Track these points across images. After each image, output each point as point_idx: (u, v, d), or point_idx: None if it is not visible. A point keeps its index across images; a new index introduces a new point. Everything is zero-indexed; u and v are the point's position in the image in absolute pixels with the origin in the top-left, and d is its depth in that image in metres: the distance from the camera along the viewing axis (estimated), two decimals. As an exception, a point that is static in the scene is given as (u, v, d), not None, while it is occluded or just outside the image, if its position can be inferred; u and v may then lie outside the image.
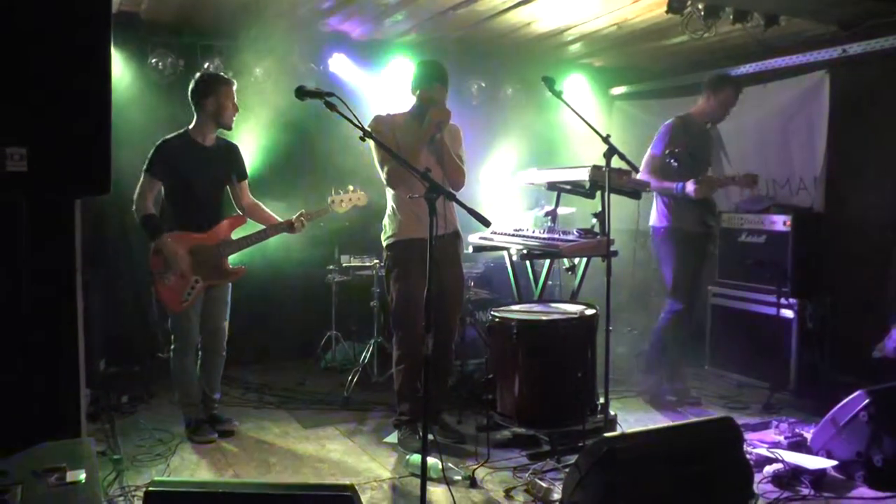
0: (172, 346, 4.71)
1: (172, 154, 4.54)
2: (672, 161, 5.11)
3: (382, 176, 4.49)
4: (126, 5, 5.61)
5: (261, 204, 4.90)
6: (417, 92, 4.57)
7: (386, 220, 4.71)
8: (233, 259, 4.76)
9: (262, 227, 4.78)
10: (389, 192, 4.68)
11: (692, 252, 5.35)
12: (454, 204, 4.45)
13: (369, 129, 4.42)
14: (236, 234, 4.75)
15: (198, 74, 4.70)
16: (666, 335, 5.44)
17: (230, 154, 4.82)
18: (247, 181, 4.92)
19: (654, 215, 5.50)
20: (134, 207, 4.52)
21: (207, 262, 4.60)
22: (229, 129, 4.69)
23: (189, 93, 4.61)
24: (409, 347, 4.58)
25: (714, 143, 5.59)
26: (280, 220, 4.80)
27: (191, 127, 4.63)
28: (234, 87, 4.65)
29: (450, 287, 4.53)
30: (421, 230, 4.48)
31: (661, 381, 5.50)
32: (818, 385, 5.52)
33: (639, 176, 5.10)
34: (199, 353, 4.84)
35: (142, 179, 4.52)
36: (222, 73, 4.70)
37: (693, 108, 5.48)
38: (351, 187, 4.97)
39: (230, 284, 4.84)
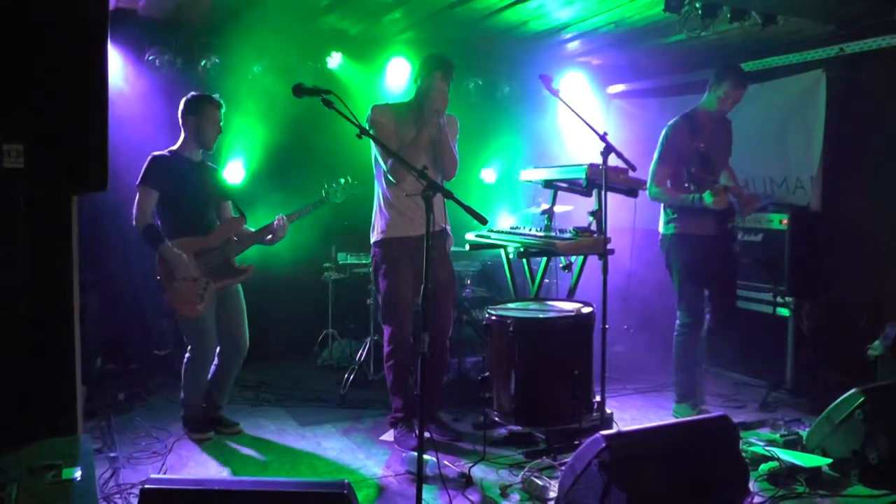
0: (188, 356, 4.66)
1: (165, 165, 4.57)
2: (689, 185, 4.79)
3: (385, 168, 4.49)
4: (123, 2, 5.59)
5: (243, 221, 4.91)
6: (419, 82, 4.58)
7: (374, 219, 4.72)
8: (238, 259, 4.76)
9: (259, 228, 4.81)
10: (378, 190, 4.69)
11: (703, 259, 5.04)
12: (443, 202, 4.48)
13: (369, 120, 4.48)
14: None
15: (188, 95, 4.71)
16: (677, 352, 5.18)
17: (214, 171, 4.88)
18: (230, 202, 4.92)
19: (662, 221, 5.26)
20: (134, 223, 4.50)
21: (215, 264, 4.59)
22: (209, 149, 4.72)
23: (179, 111, 4.67)
24: (397, 343, 4.61)
25: (727, 135, 5.32)
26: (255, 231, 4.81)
27: (178, 144, 4.68)
28: (220, 110, 4.67)
29: (441, 284, 4.54)
30: (408, 228, 4.52)
31: (683, 396, 5.22)
32: (814, 383, 5.53)
33: (649, 190, 5.04)
34: (216, 359, 4.77)
35: (139, 192, 4.51)
36: (213, 96, 4.69)
37: (699, 104, 5.21)
38: (342, 179, 4.99)
39: (241, 289, 4.82)
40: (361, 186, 5.01)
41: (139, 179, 4.52)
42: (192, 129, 4.62)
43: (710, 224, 4.98)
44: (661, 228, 5.27)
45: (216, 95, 4.75)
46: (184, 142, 4.66)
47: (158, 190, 4.53)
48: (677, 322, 5.20)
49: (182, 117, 4.63)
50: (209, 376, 4.79)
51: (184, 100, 4.65)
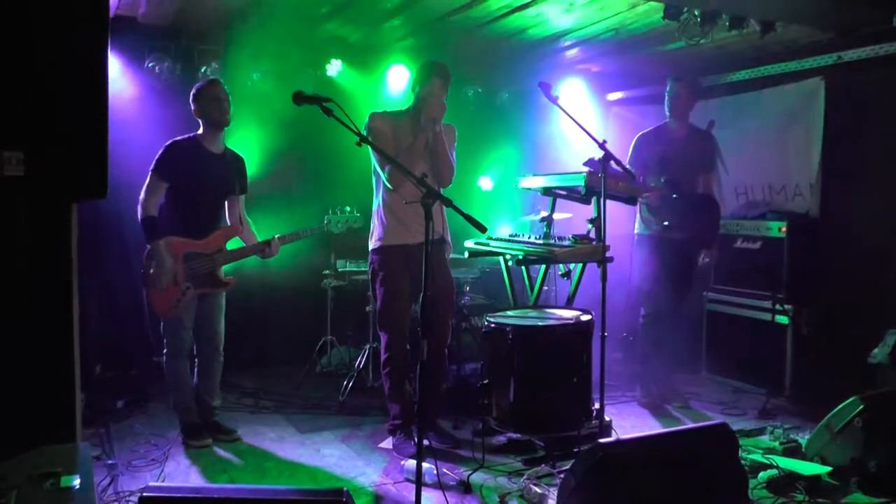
0: (165, 350, 4.73)
1: (181, 156, 4.57)
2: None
3: (384, 176, 4.49)
4: (123, 10, 5.61)
5: (250, 223, 4.94)
6: (416, 89, 4.58)
7: (372, 226, 4.72)
8: (224, 269, 4.77)
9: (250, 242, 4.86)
10: (377, 197, 4.70)
11: (660, 257, 5.46)
12: (442, 210, 4.49)
13: (367, 127, 4.49)
14: (230, 246, 4.78)
15: None
16: (643, 340, 5.64)
17: (236, 164, 4.87)
18: (244, 196, 4.94)
19: (636, 222, 5.69)
20: (139, 206, 4.52)
21: (201, 270, 4.61)
22: (224, 124, 4.68)
23: None
24: (395, 350, 4.61)
25: (702, 149, 5.63)
26: (258, 241, 4.85)
27: (199, 132, 4.69)
28: (216, 84, 4.66)
29: (439, 292, 4.53)
30: (406, 237, 4.53)
31: (648, 387, 5.62)
32: (813, 391, 5.53)
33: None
34: (196, 357, 4.85)
35: (149, 179, 4.54)
36: (210, 77, 4.75)
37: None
38: (348, 208, 5.06)
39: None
40: (362, 219, 5.05)
41: (152, 165, 4.55)
42: (201, 116, 4.64)
43: (677, 229, 5.40)
44: (636, 229, 5.72)
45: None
46: (203, 131, 4.68)
47: (167, 182, 4.56)
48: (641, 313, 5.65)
49: (193, 110, 4.66)
50: (194, 379, 4.84)
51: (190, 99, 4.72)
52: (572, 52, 6.96)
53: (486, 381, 4.61)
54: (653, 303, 5.55)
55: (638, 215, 5.64)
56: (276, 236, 4.79)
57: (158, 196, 4.56)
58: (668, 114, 5.56)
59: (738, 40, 5.84)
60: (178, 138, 4.64)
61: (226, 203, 4.82)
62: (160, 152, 4.56)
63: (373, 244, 4.68)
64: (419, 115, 4.46)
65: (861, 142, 5.81)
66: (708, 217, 5.52)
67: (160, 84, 6.03)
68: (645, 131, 5.59)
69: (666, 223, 5.38)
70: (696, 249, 5.59)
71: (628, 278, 5.79)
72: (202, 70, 6.09)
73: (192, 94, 4.67)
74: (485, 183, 7.42)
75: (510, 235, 5.22)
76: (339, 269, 6.23)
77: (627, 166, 4.69)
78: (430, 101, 4.41)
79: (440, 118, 4.44)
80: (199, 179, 4.61)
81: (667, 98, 5.54)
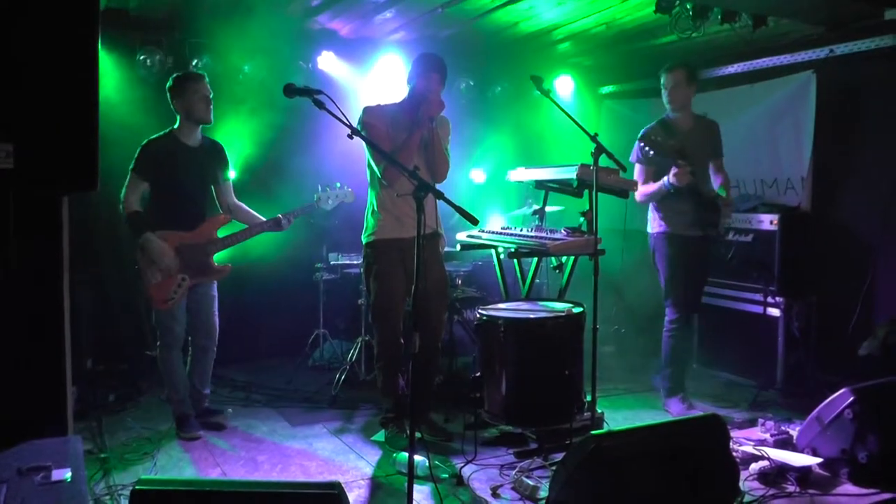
0: (158, 342, 4.74)
1: (158, 153, 4.60)
2: (649, 151, 4.88)
3: (378, 171, 4.47)
4: (115, 2, 5.58)
5: (244, 205, 4.94)
6: (413, 83, 4.56)
7: (367, 219, 4.72)
8: (217, 257, 4.78)
9: (246, 226, 4.86)
10: (371, 191, 4.69)
11: (688, 257, 5.19)
12: (435, 205, 4.48)
13: (361, 122, 4.47)
14: (221, 233, 4.79)
15: (168, 81, 4.75)
16: (667, 347, 5.30)
17: (216, 153, 4.88)
18: (231, 181, 4.96)
19: (649, 221, 5.40)
20: (121, 206, 4.57)
21: (194, 260, 4.62)
22: (207, 122, 4.72)
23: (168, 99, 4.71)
24: (388, 344, 4.62)
25: (709, 136, 5.41)
26: (263, 218, 4.85)
27: (175, 127, 4.70)
28: (203, 81, 4.67)
29: (433, 286, 4.53)
30: (400, 231, 4.52)
31: (672, 390, 5.35)
32: (804, 383, 5.55)
33: (637, 193, 5.13)
34: (190, 348, 4.87)
35: (129, 179, 4.58)
36: (192, 70, 4.78)
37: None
38: (339, 184, 5.01)
39: (215, 282, 4.87)
40: (353, 195, 5.06)
41: (131, 165, 4.59)
42: (182, 111, 4.64)
43: (692, 224, 5.18)
44: (648, 228, 5.42)
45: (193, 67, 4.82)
46: (179, 125, 4.69)
47: (147, 180, 4.59)
48: (666, 319, 5.32)
49: (171, 103, 4.67)
50: (188, 368, 4.87)
51: (167, 87, 4.69)
52: (564, 46, 6.96)
53: (478, 374, 4.62)
54: (687, 306, 5.29)
55: (654, 212, 5.33)
56: (280, 215, 4.83)
57: (138, 194, 4.59)
58: (668, 107, 5.26)
59: (729, 34, 5.85)
60: (154, 136, 4.66)
61: (211, 194, 4.85)
62: (137, 152, 4.59)
63: (366, 238, 4.68)
64: (414, 108, 4.44)
65: (852, 135, 5.82)
66: (714, 213, 5.34)
67: (151, 77, 6.00)
68: (650, 127, 5.22)
69: (708, 220, 5.16)
70: (707, 246, 5.37)
71: (619, 272, 5.78)
72: (193, 63, 6.06)
73: (170, 88, 4.65)
74: (477, 176, 7.42)
75: (502, 228, 5.22)
76: (332, 263, 6.22)
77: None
78: (431, 98, 4.39)
79: (437, 117, 4.43)
80: (178, 174, 4.63)
81: (664, 91, 5.21)
